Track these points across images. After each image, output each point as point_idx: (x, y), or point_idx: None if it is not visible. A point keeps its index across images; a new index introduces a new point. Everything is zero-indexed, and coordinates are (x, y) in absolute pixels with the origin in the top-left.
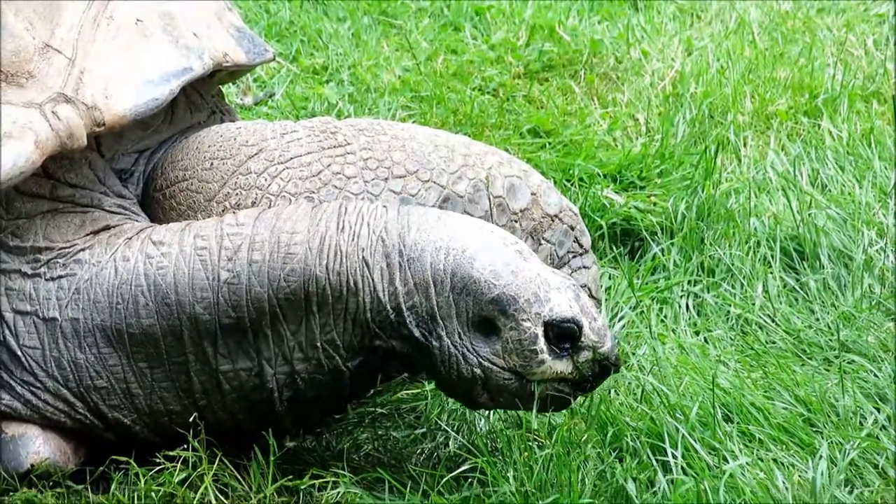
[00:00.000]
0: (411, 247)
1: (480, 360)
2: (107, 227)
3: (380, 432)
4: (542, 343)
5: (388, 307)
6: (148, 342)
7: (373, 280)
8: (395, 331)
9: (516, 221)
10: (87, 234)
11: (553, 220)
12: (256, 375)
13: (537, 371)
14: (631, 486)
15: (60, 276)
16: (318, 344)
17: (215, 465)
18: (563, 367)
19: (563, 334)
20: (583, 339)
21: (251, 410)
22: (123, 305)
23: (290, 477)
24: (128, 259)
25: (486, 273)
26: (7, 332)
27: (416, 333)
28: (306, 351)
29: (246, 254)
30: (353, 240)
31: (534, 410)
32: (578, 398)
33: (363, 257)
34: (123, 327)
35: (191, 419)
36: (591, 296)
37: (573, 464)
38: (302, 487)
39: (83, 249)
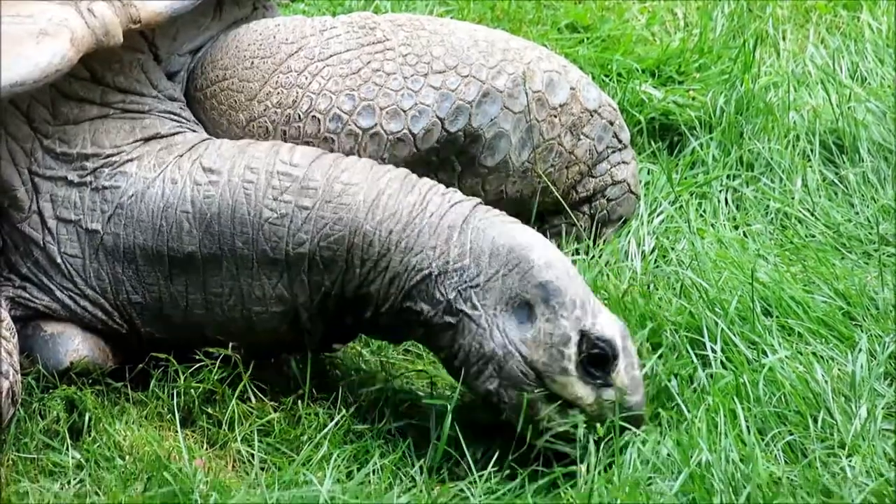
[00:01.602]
0: (478, 221)
1: (507, 340)
2: (157, 136)
3: None
4: (573, 350)
5: (434, 265)
6: (188, 268)
7: (427, 240)
8: (428, 292)
9: (555, 117)
10: (137, 142)
11: (592, 116)
12: (290, 319)
13: (558, 381)
14: (673, 384)
15: (105, 188)
16: (351, 296)
17: (253, 366)
18: (584, 393)
19: (597, 356)
20: (615, 375)
21: (281, 343)
22: (167, 229)
23: (330, 373)
24: (175, 182)
25: (542, 261)
26: (49, 238)
27: (451, 296)
28: (341, 299)
29: (294, 197)
30: (420, 204)
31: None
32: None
33: (427, 221)
34: (165, 250)
35: (224, 346)
36: (630, 191)
37: None
38: (341, 384)
39: (130, 160)
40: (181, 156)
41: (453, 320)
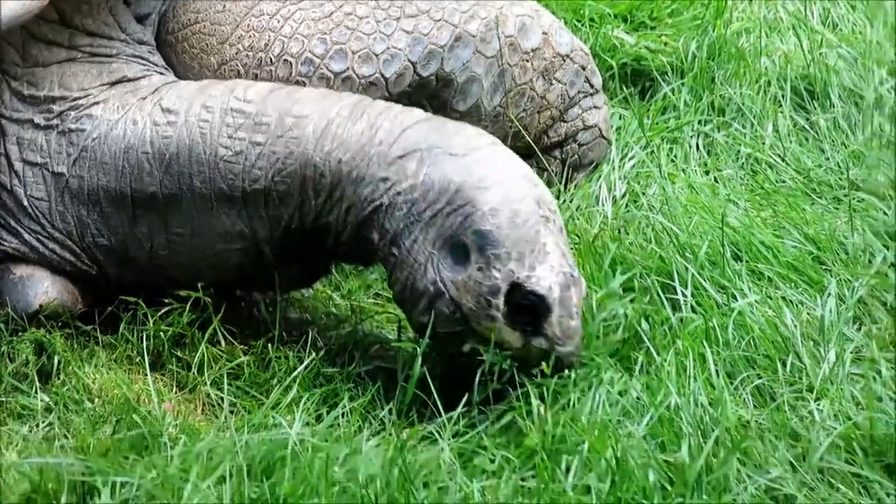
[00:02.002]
0: (443, 151)
1: (439, 279)
2: (124, 79)
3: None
4: (500, 301)
5: (385, 196)
6: (150, 209)
7: (378, 170)
8: (379, 222)
9: (528, 61)
10: (104, 85)
11: (564, 60)
12: (254, 256)
13: (483, 325)
14: (643, 327)
15: (71, 131)
16: (310, 228)
17: (222, 309)
18: (512, 338)
19: (528, 307)
20: (546, 326)
21: (249, 281)
22: (129, 170)
23: (300, 317)
24: (136, 123)
25: (487, 207)
26: (16, 181)
27: (398, 228)
28: (301, 232)
29: (248, 134)
30: (370, 130)
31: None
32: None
33: (377, 150)
34: (128, 192)
35: (192, 288)
36: (601, 136)
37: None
38: (311, 328)
39: (96, 103)
40: (144, 98)
41: (396, 252)
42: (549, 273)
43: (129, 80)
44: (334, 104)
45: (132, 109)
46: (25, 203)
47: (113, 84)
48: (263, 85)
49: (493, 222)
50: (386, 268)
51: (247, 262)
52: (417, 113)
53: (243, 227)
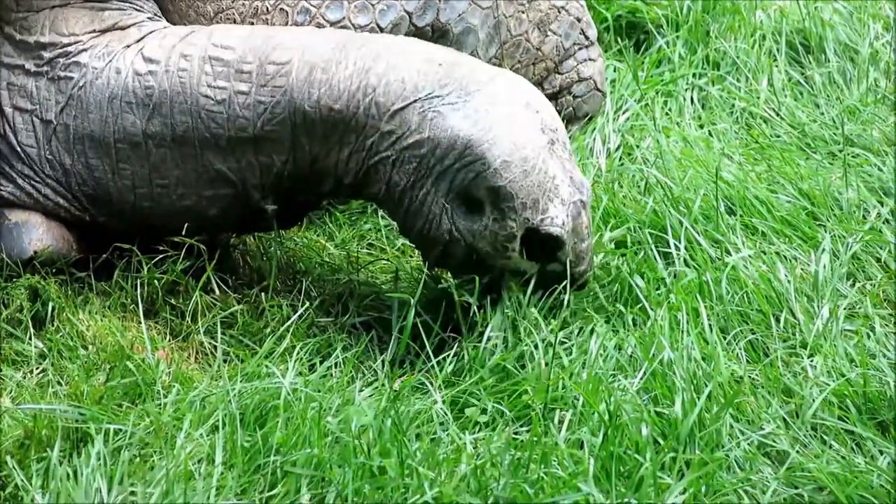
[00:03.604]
0: (441, 100)
1: (454, 228)
2: (115, 27)
3: (383, 222)
4: (516, 244)
5: (391, 151)
6: (133, 159)
7: (380, 122)
8: (386, 173)
9: (523, 13)
10: (94, 32)
11: (560, 12)
12: (241, 200)
13: (500, 262)
14: (638, 281)
15: (59, 78)
16: (307, 174)
17: (218, 256)
18: (528, 266)
19: (541, 245)
20: (560, 255)
21: (233, 221)
22: (113, 120)
23: (294, 266)
24: (119, 72)
25: (497, 162)
26: (7, 126)
27: (408, 181)
28: (296, 177)
29: (229, 83)
30: (359, 76)
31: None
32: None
33: (373, 97)
34: (111, 141)
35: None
36: (596, 88)
37: None
38: (305, 278)
39: (84, 50)
40: (129, 46)
41: (407, 203)
42: (561, 209)
43: (120, 27)
44: (316, 46)
45: (116, 57)
46: (18, 149)
47: (103, 31)
48: (242, 29)
49: (505, 177)
50: (394, 215)
51: (235, 207)
52: (403, 45)
53: (231, 175)
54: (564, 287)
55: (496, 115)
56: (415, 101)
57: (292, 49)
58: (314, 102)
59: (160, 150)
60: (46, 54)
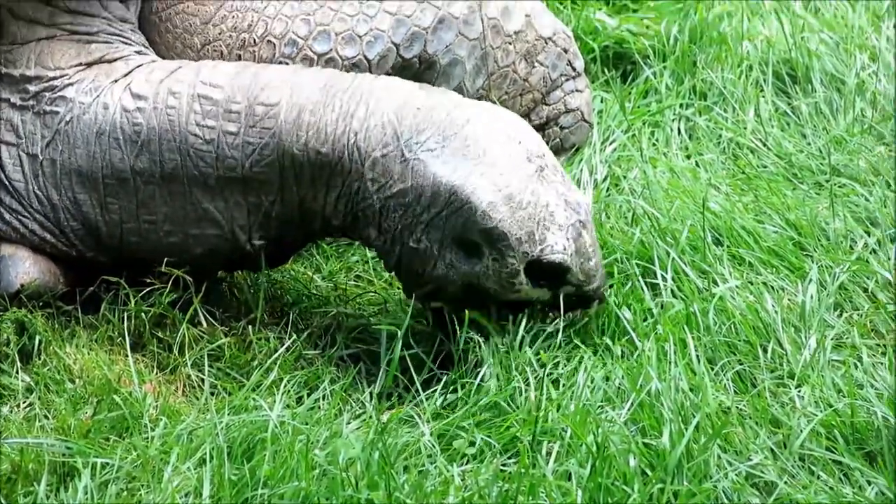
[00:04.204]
0: (420, 147)
1: (454, 272)
2: (102, 60)
3: (370, 254)
4: (522, 277)
5: (375, 198)
6: (121, 195)
7: (362, 169)
8: (375, 220)
9: (510, 44)
10: (81, 65)
11: (547, 43)
12: (228, 240)
13: (511, 297)
14: (625, 313)
15: (45, 113)
16: (297, 214)
17: (205, 289)
18: (540, 294)
19: (547, 273)
20: (569, 277)
21: (220, 260)
22: (101, 155)
23: (281, 299)
24: (107, 107)
25: (484, 204)
26: None
27: (397, 229)
28: (283, 219)
29: (218, 122)
30: (343, 120)
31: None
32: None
33: (355, 142)
34: (99, 177)
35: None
36: (583, 119)
37: None
38: (292, 310)
39: (70, 84)
40: (116, 81)
41: (399, 249)
42: (559, 235)
43: (107, 60)
44: (303, 87)
45: (104, 93)
46: (6, 183)
47: (90, 65)
48: (229, 66)
49: (494, 217)
50: (387, 257)
51: (222, 246)
52: (385, 88)
53: (218, 215)
54: (582, 307)
55: (476, 158)
56: (395, 147)
57: (280, 89)
58: (302, 145)
59: (148, 187)
60: (32, 88)
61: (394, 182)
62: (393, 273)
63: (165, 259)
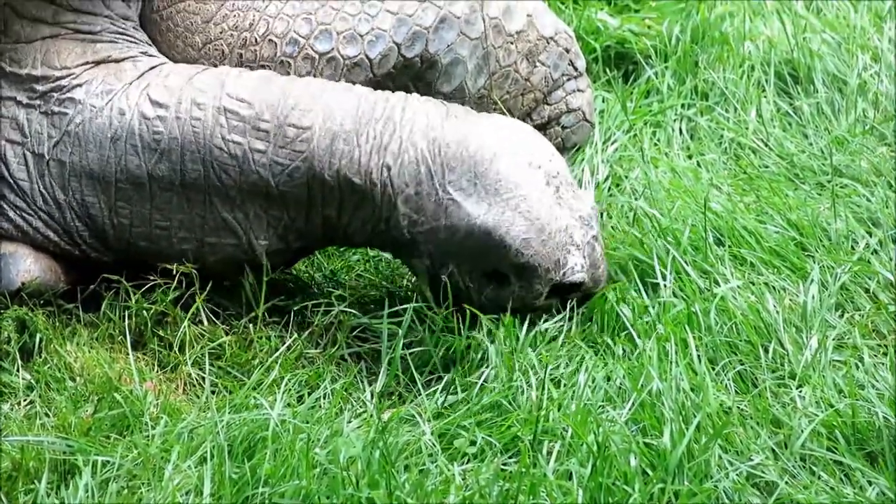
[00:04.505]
0: (453, 186)
1: (481, 297)
2: (108, 59)
3: (371, 253)
4: (543, 299)
5: (406, 232)
6: (133, 200)
7: (395, 202)
8: (405, 249)
9: (512, 43)
10: (87, 64)
11: (548, 43)
12: (244, 251)
13: (528, 311)
14: (626, 312)
15: (53, 113)
16: (320, 232)
17: (208, 286)
18: (552, 302)
19: (564, 289)
20: (582, 287)
21: (232, 271)
22: (115, 160)
23: (282, 297)
24: (123, 113)
25: (517, 243)
26: None
27: (426, 262)
28: (305, 234)
29: (245, 139)
30: (377, 152)
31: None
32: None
33: (389, 176)
34: (112, 181)
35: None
36: (584, 119)
37: None
38: (294, 308)
39: (79, 85)
40: (130, 84)
41: (428, 277)
42: (578, 255)
43: (114, 60)
44: (335, 112)
45: (118, 97)
46: (10, 181)
47: (97, 63)
48: (253, 78)
49: (527, 254)
50: (411, 267)
51: (238, 255)
52: (415, 117)
53: (237, 225)
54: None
55: (506, 193)
56: (428, 186)
57: (312, 113)
58: (334, 172)
59: (165, 194)
60: (39, 87)
61: (426, 220)
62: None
63: (170, 264)
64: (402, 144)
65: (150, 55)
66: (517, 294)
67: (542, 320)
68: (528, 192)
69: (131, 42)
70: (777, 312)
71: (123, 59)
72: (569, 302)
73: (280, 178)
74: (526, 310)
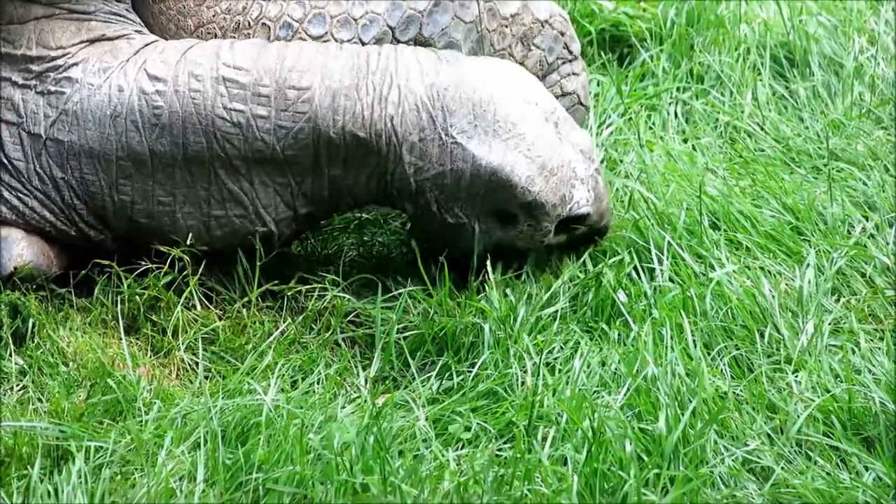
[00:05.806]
0: (454, 128)
1: (489, 237)
2: (103, 38)
3: (365, 238)
4: (552, 234)
5: (412, 180)
6: (135, 176)
7: (400, 152)
8: (411, 197)
9: (506, 27)
10: (82, 43)
11: (543, 26)
12: (251, 221)
13: (534, 250)
14: (621, 296)
15: (50, 92)
16: (326, 193)
17: (200, 269)
18: (559, 239)
19: (570, 222)
20: (587, 221)
21: (238, 244)
22: (116, 137)
23: (276, 282)
24: (122, 90)
25: (524, 181)
26: None
27: (434, 207)
28: (312, 198)
29: (246, 105)
30: (378, 103)
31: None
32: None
33: (392, 126)
34: (113, 158)
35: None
36: (579, 103)
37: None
38: (287, 293)
39: (76, 64)
40: (126, 60)
41: (435, 222)
42: (583, 189)
43: (108, 38)
44: (333, 70)
45: (115, 74)
46: (4, 161)
47: (92, 42)
48: (248, 47)
49: (533, 191)
50: (416, 228)
51: (245, 226)
52: (409, 62)
53: (244, 196)
54: (590, 244)
55: (507, 133)
56: (431, 131)
57: (311, 73)
58: (339, 129)
59: (168, 169)
60: (35, 67)
61: (432, 165)
62: (413, 241)
63: (172, 242)
64: (402, 93)
65: (143, 34)
66: (525, 232)
67: (539, 307)
68: (527, 129)
69: (125, 22)
70: (773, 297)
71: (118, 38)
72: (575, 239)
73: (285, 141)
74: (533, 247)
